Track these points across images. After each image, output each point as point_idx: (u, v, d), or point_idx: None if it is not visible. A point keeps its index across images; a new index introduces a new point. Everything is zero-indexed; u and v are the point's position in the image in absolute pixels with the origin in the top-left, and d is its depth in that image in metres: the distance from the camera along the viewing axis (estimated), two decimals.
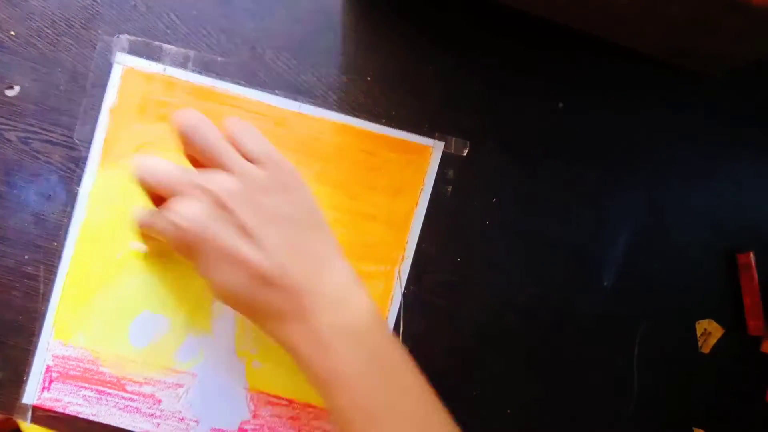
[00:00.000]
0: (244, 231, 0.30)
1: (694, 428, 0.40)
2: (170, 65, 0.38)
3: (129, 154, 0.37)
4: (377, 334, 0.31)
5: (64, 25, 0.37)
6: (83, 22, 0.37)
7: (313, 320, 0.30)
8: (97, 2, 0.37)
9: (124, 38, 0.38)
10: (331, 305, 0.30)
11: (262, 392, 0.38)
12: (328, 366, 0.30)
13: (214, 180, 0.30)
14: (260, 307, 0.31)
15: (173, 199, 0.30)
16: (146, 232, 0.33)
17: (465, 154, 0.39)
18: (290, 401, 0.38)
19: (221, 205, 0.30)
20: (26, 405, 0.37)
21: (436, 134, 0.39)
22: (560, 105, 0.40)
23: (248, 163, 0.31)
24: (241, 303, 0.31)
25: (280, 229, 0.30)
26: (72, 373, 0.37)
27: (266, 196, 0.31)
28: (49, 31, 0.37)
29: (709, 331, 0.40)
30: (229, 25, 0.38)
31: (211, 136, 0.31)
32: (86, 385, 0.37)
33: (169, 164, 0.31)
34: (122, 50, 0.37)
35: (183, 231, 0.30)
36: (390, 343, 0.32)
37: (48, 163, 0.37)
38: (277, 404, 0.38)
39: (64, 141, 0.37)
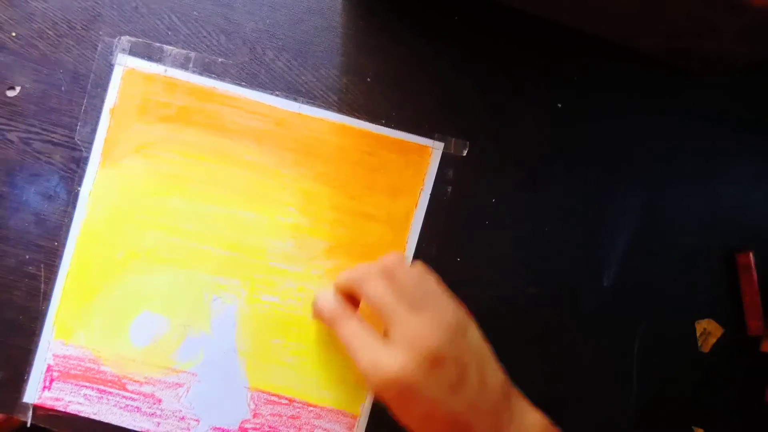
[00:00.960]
0: (451, 388, 0.30)
1: (693, 427, 0.40)
2: (171, 66, 0.38)
3: (130, 155, 0.38)
4: None
5: (66, 27, 0.37)
6: (84, 23, 0.38)
7: None
8: (98, 4, 0.38)
9: (125, 39, 0.38)
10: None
11: (262, 391, 0.38)
12: None
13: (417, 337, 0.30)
14: None
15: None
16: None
17: (465, 155, 0.39)
18: (291, 400, 0.38)
19: (429, 363, 0.30)
20: (27, 404, 0.37)
21: (436, 135, 0.39)
22: (559, 105, 0.40)
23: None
24: None
25: (468, 381, 0.30)
26: (73, 372, 0.37)
27: (452, 344, 0.31)
28: (50, 33, 0.37)
29: (709, 331, 0.40)
30: (230, 26, 0.38)
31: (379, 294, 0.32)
32: (87, 384, 0.37)
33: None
34: (123, 51, 0.38)
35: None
36: None
37: (49, 163, 0.37)
38: (278, 403, 0.38)
39: (65, 141, 0.37)
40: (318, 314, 0.35)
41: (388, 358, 0.30)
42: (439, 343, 0.30)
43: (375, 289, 0.32)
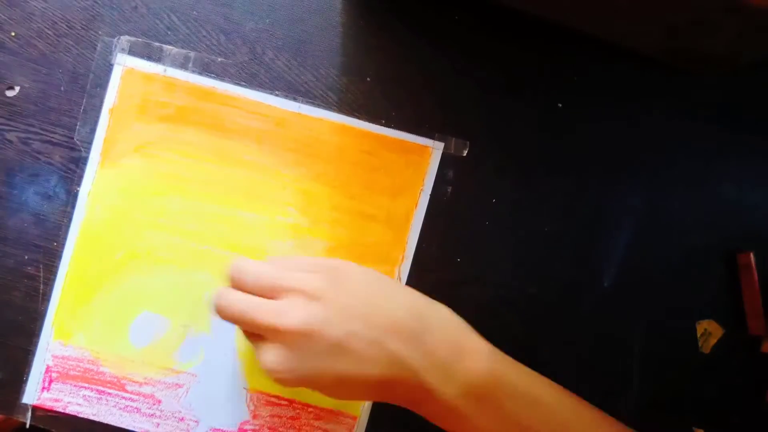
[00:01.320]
0: (339, 348, 0.29)
1: (694, 428, 0.40)
2: (170, 66, 0.38)
3: (129, 155, 0.38)
4: (500, 384, 0.30)
5: (65, 26, 0.37)
6: (84, 23, 0.37)
7: (435, 391, 0.29)
8: (97, 3, 0.38)
9: (125, 39, 0.38)
10: (445, 375, 0.30)
11: (262, 392, 0.38)
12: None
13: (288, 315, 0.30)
14: (386, 398, 0.31)
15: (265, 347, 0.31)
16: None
17: (465, 155, 0.39)
18: (290, 401, 0.38)
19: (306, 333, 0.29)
20: (26, 405, 0.37)
21: (436, 135, 0.39)
22: (559, 105, 0.40)
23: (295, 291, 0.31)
24: (369, 398, 0.32)
25: (364, 325, 0.30)
26: (72, 373, 0.37)
27: (336, 294, 0.30)
28: (49, 32, 0.37)
29: (710, 331, 0.40)
30: (229, 26, 0.38)
31: (238, 308, 0.31)
32: (86, 385, 0.37)
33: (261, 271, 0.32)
34: (122, 51, 0.38)
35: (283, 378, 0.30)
36: (522, 384, 0.31)
37: (48, 163, 0.37)
38: (277, 404, 0.38)
39: (65, 141, 0.37)
40: (221, 314, 0.33)
41: (269, 358, 0.30)
42: (298, 322, 0.29)
43: (232, 307, 0.31)
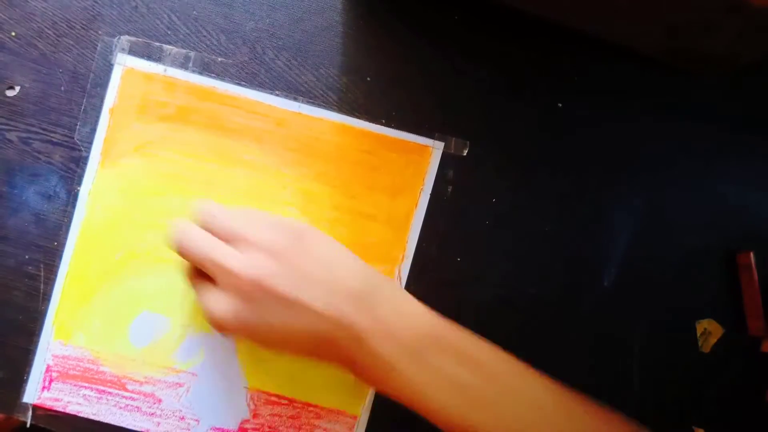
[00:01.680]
0: (289, 303, 0.30)
1: (694, 428, 0.40)
2: (170, 66, 0.38)
3: (129, 154, 0.38)
4: (438, 342, 0.32)
5: (65, 26, 0.37)
6: (84, 23, 0.37)
7: (375, 349, 0.31)
8: (97, 3, 0.38)
9: (125, 39, 0.38)
10: (387, 335, 0.31)
11: (262, 391, 0.38)
12: (402, 388, 0.31)
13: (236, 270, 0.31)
14: (321, 355, 0.32)
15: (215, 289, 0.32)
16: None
17: (465, 154, 0.39)
18: (290, 400, 0.38)
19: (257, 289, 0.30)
20: (26, 404, 0.37)
21: (436, 134, 0.39)
22: (559, 105, 0.40)
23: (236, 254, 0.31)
24: (304, 353, 0.33)
25: (322, 289, 0.31)
26: (72, 372, 0.37)
27: (296, 255, 0.31)
28: (49, 32, 0.37)
29: (710, 331, 0.40)
30: (229, 25, 0.38)
31: (199, 245, 0.32)
32: (86, 384, 0.37)
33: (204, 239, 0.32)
34: (123, 51, 0.38)
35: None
36: (457, 341, 0.32)
37: (48, 163, 0.37)
38: (278, 403, 0.38)
39: (65, 141, 0.37)
40: (184, 254, 0.34)
41: (217, 305, 0.31)
42: (255, 272, 0.30)
43: (194, 243, 0.32)
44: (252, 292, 0.30)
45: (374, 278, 0.33)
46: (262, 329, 0.31)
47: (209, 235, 0.32)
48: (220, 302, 0.31)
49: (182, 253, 0.32)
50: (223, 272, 0.31)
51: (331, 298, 0.31)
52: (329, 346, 0.31)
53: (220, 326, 0.31)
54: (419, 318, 0.32)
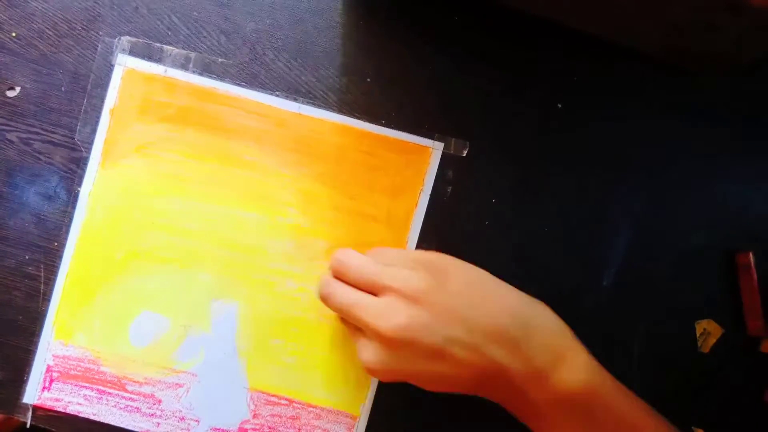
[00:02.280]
0: (436, 353, 0.30)
1: (693, 428, 0.40)
2: (171, 66, 0.38)
3: (130, 155, 0.38)
4: (595, 396, 0.31)
5: (66, 27, 0.37)
6: (84, 23, 0.38)
7: (528, 395, 0.30)
8: (98, 4, 0.38)
9: (125, 40, 0.38)
10: (540, 382, 0.30)
11: (262, 392, 0.38)
12: None
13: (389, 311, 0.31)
14: (479, 392, 0.32)
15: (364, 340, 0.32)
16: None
17: (465, 155, 0.39)
18: (290, 401, 0.38)
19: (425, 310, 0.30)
20: (27, 405, 0.37)
21: (436, 135, 0.39)
22: (559, 105, 0.40)
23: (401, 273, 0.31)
24: (463, 392, 0.32)
25: (464, 330, 0.30)
26: (72, 372, 0.37)
27: (438, 295, 0.31)
28: (50, 33, 0.37)
29: (709, 331, 0.40)
30: (230, 26, 0.38)
31: (341, 301, 0.32)
32: (87, 384, 0.37)
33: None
34: (123, 52, 0.38)
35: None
36: (614, 400, 0.31)
37: (49, 163, 0.37)
38: (278, 404, 0.38)
39: (65, 142, 0.37)
40: (326, 301, 0.34)
41: (367, 355, 0.31)
42: (396, 328, 0.30)
43: (337, 301, 0.32)
44: (395, 342, 0.30)
45: (523, 310, 0.32)
46: (412, 376, 0.31)
47: (349, 289, 0.32)
48: (369, 351, 0.31)
49: (330, 306, 0.33)
50: (365, 325, 0.31)
51: (476, 342, 0.30)
52: (484, 386, 0.31)
53: (374, 375, 0.32)
54: (575, 366, 0.30)
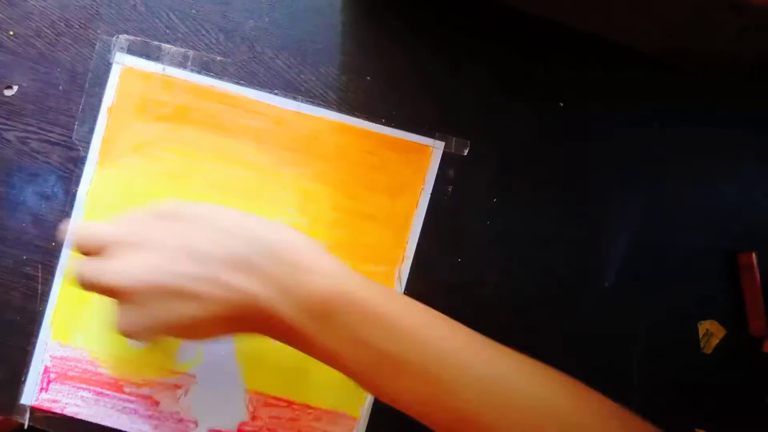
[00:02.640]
0: (176, 294, 0.29)
1: (696, 429, 0.40)
2: (169, 65, 0.38)
3: (128, 154, 0.37)
4: (344, 301, 0.29)
5: (63, 25, 0.37)
6: (82, 22, 0.37)
7: (283, 318, 0.28)
8: (96, 2, 0.37)
9: (123, 38, 0.38)
10: (282, 296, 0.28)
11: (260, 393, 0.38)
12: (320, 354, 0.30)
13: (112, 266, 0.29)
14: (240, 329, 0.30)
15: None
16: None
17: (465, 154, 0.39)
18: (289, 402, 0.38)
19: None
20: (24, 406, 0.37)
21: (437, 134, 0.39)
22: (560, 105, 0.39)
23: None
24: (226, 332, 0.31)
25: (195, 264, 0.29)
26: (70, 373, 0.37)
27: (166, 236, 0.30)
28: (48, 31, 0.37)
29: (712, 332, 0.40)
30: (228, 24, 0.38)
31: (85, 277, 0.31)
32: (84, 385, 0.37)
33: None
34: (121, 50, 0.37)
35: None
36: (371, 300, 0.29)
37: (47, 162, 0.37)
38: (276, 405, 0.38)
39: (63, 141, 0.37)
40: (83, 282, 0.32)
41: (117, 319, 0.29)
42: (130, 279, 0.29)
43: (80, 276, 0.31)
44: (139, 297, 0.29)
45: (263, 235, 0.30)
46: (167, 327, 0.29)
47: (87, 261, 0.30)
48: (122, 317, 0.29)
49: (86, 288, 0.31)
50: (112, 293, 0.29)
51: (210, 273, 0.28)
52: (239, 320, 0.29)
53: (128, 335, 0.30)
54: (318, 273, 0.29)
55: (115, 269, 0.29)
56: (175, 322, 0.29)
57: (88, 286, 0.30)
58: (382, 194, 0.38)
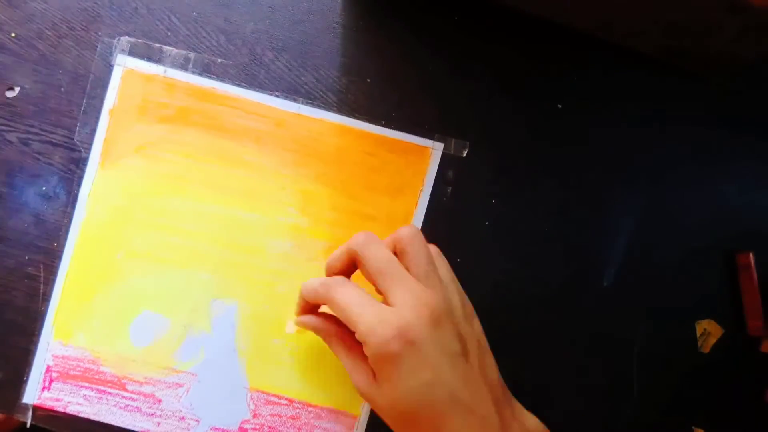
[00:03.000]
0: (453, 355, 0.29)
1: (693, 428, 0.40)
2: (170, 67, 0.38)
3: (129, 155, 0.38)
4: None
5: (65, 27, 0.37)
6: (84, 24, 0.38)
7: None
8: (97, 4, 0.38)
9: (125, 40, 0.38)
10: None
11: (262, 391, 0.38)
12: None
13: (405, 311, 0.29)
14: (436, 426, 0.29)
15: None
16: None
17: (465, 155, 0.39)
18: (290, 400, 0.38)
19: (431, 320, 0.28)
20: (27, 405, 0.37)
21: (436, 135, 0.39)
22: (559, 106, 0.40)
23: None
24: (421, 419, 0.30)
25: (468, 356, 0.30)
26: (72, 372, 0.37)
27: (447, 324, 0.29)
28: (49, 33, 0.37)
29: (709, 332, 0.40)
30: (229, 26, 0.38)
31: (381, 258, 0.30)
32: (86, 384, 0.37)
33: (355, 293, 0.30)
34: (123, 52, 0.38)
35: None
36: None
37: (48, 164, 0.37)
38: (278, 403, 0.38)
39: (65, 142, 0.37)
40: (309, 290, 0.32)
41: (392, 315, 0.28)
42: (445, 306, 0.29)
43: (380, 253, 0.30)
44: (439, 317, 0.29)
45: (505, 386, 0.32)
46: (424, 360, 0.28)
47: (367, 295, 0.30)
48: (397, 313, 0.29)
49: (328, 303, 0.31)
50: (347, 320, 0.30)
51: (478, 383, 0.29)
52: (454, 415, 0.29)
53: (384, 340, 0.29)
54: (534, 424, 0.32)
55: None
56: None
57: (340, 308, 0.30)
58: (382, 195, 0.39)
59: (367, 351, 0.29)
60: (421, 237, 0.32)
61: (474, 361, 0.30)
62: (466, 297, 0.33)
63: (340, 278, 0.31)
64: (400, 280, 0.29)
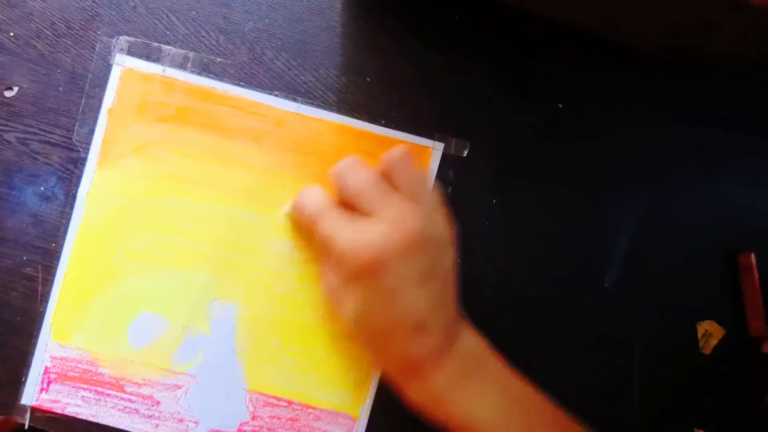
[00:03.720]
0: (420, 278, 0.30)
1: (694, 429, 0.40)
2: (169, 66, 0.38)
3: (128, 155, 0.37)
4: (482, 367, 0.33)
5: (64, 27, 0.37)
6: (82, 23, 0.37)
7: (437, 378, 0.31)
8: (96, 3, 0.37)
9: (124, 39, 0.38)
10: (463, 367, 0.32)
11: (261, 393, 0.38)
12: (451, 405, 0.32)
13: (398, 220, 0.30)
14: (398, 352, 0.32)
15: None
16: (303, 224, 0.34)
17: (465, 155, 0.39)
18: (289, 402, 0.38)
19: (407, 244, 0.30)
20: (25, 406, 0.37)
21: (436, 135, 0.39)
22: (560, 105, 0.39)
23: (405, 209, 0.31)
24: (380, 342, 0.32)
25: (434, 283, 0.31)
26: (70, 374, 0.37)
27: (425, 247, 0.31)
28: (48, 33, 0.37)
29: (710, 332, 0.40)
30: (228, 26, 0.38)
31: (362, 180, 0.32)
32: (85, 386, 0.37)
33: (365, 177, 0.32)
34: (121, 51, 0.37)
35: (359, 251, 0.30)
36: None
37: (47, 164, 0.37)
38: (277, 405, 0.38)
39: (63, 142, 0.37)
40: (299, 209, 0.34)
41: (370, 231, 0.30)
42: (423, 230, 0.30)
43: (364, 176, 0.32)
44: (414, 242, 0.30)
45: (460, 315, 0.34)
46: (392, 277, 0.30)
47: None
48: (374, 228, 0.31)
49: (304, 217, 0.34)
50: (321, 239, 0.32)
51: (438, 306, 0.31)
52: (413, 338, 0.31)
53: (358, 252, 0.31)
54: (473, 340, 0.33)
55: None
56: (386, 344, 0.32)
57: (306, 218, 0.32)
58: None
59: (338, 267, 0.31)
60: (410, 157, 0.33)
61: (438, 286, 0.32)
62: (449, 221, 0.33)
63: (332, 206, 0.33)
64: (385, 198, 0.31)
